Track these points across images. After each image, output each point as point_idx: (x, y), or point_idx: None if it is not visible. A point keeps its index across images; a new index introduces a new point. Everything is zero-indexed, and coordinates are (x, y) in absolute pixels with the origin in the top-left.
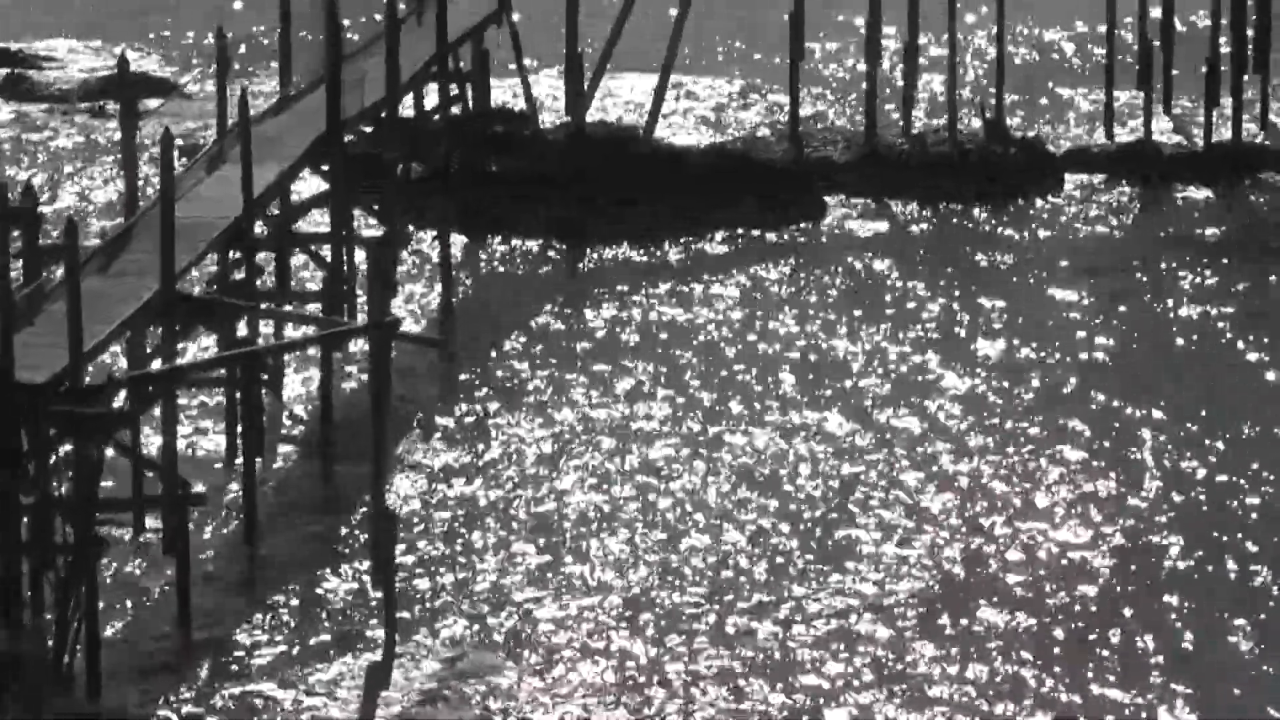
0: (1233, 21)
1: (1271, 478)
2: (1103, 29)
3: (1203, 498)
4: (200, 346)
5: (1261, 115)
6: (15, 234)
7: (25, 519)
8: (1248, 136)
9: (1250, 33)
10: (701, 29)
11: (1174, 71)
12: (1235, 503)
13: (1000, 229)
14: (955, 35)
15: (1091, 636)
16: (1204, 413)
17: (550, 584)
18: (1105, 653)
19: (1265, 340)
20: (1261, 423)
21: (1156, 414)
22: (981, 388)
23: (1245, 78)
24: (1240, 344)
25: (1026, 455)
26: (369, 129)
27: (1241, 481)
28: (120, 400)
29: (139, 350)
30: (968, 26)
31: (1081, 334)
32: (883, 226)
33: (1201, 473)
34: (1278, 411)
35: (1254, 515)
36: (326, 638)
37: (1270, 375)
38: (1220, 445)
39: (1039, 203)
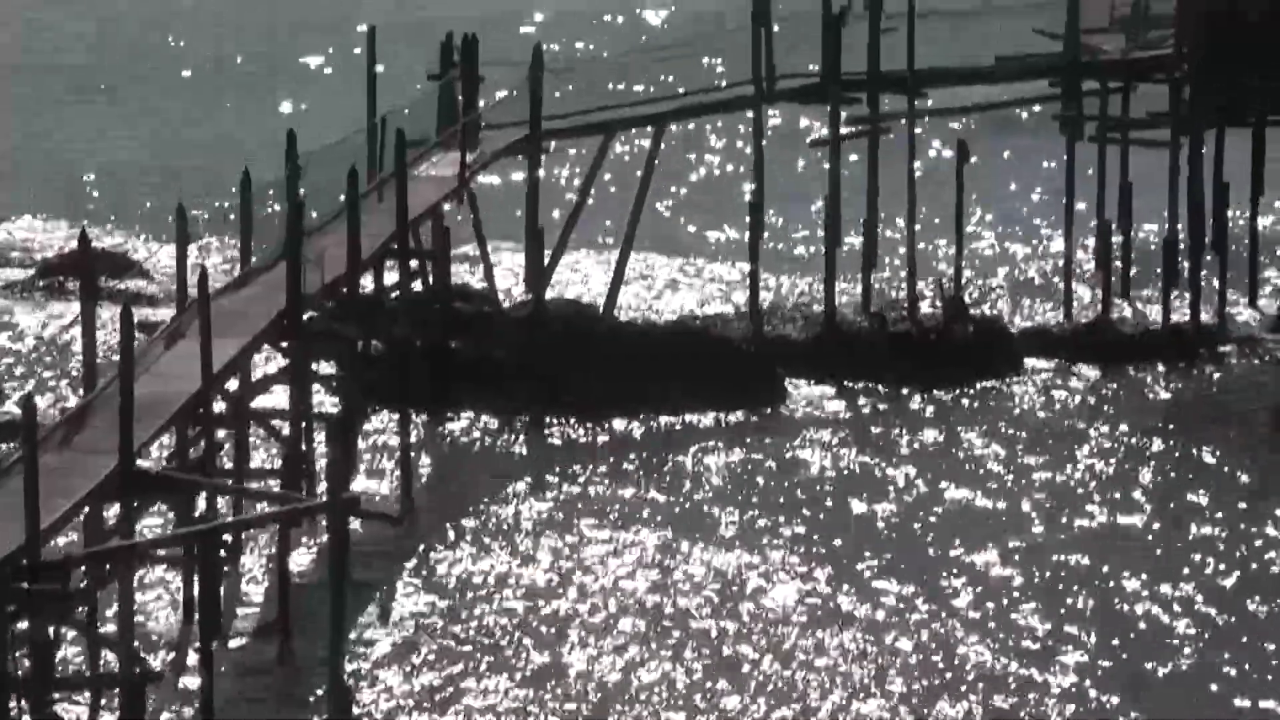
0: (1190, 203)
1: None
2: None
3: (1180, 660)
4: (158, 523)
5: (1220, 296)
6: None
7: None
8: (1205, 317)
9: (1209, 214)
10: (661, 208)
11: (1132, 252)
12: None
13: (959, 409)
14: (914, 214)
15: None
16: (1166, 593)
17: None
18: None
19: (1226, 518)
20: (1226, 593)
21: (1115, 599)
22: (941, 564)
23: (1203, 259)
24: (1200, 519)
25: (982, 636)
26: (329, 305)
27: (1206, 635)
28: (78, 578)
29: (97, 527)
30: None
31: (1040, 513)
32: (841, 406)
33: (1179, 626)
34: (1243, 583)
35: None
36: None
37: (1238, 552)
38: (1186, 622)
39: (998, 382)
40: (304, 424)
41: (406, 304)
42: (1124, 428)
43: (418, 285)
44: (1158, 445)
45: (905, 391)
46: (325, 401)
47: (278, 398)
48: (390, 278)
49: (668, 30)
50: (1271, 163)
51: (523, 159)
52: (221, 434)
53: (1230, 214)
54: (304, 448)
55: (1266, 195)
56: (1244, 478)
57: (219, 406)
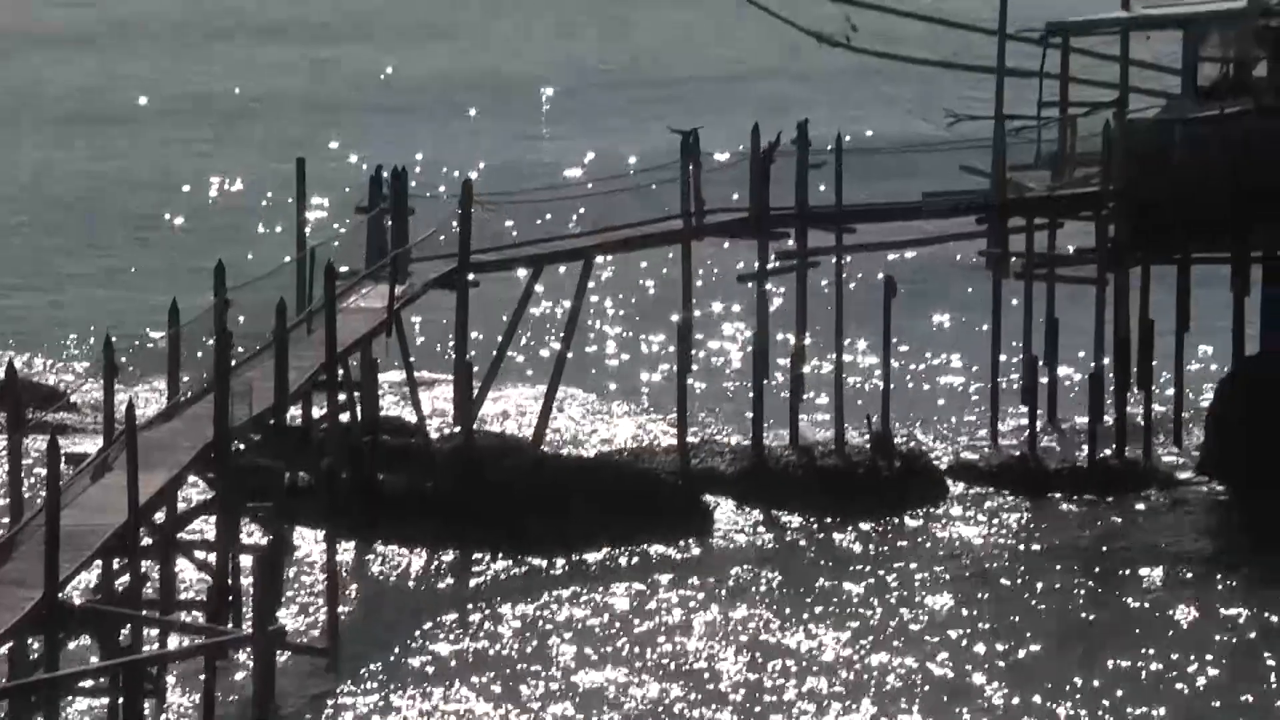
0: (1116, 339)
1: None
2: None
3: None
4: (83, 655)
5: (1145, 431)
6: None
7: None
8: (1130, 453)
9: (1134, 348)
10: (590, 341)
11: (1058, 388)
12: None
13: (885, 542)
14: (842, 348)
15: None
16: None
17: None
18: None
19: (1149, 651)
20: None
21: None
22: (864, 700)
23: (1129, 394)
24: (1119, 654)
25: None
26: (256, 437)
27: None
28: (2, 710)
29: (21, 659)
30: (856, 338)
31: (963, 644)
32: (768, 539)
33: None
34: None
35: None
36: None
37: (1159, 689)
38: None
39: (924, 516)
40: (231, 556)
41: (334, 436)
42: (1047, 563)
43: (346, 417)
44: (1080, 581)
45: (832, 524)
46: (253, 533)
47: (205, 529)
48: (318, 409)
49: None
50: (1197, 300)
51: (451, 291)
52: (148, 566)
53: (1155, 351)
54: (231, 580)
55: (1192, 332)
56: (1170, 615)
57: (146, 538)
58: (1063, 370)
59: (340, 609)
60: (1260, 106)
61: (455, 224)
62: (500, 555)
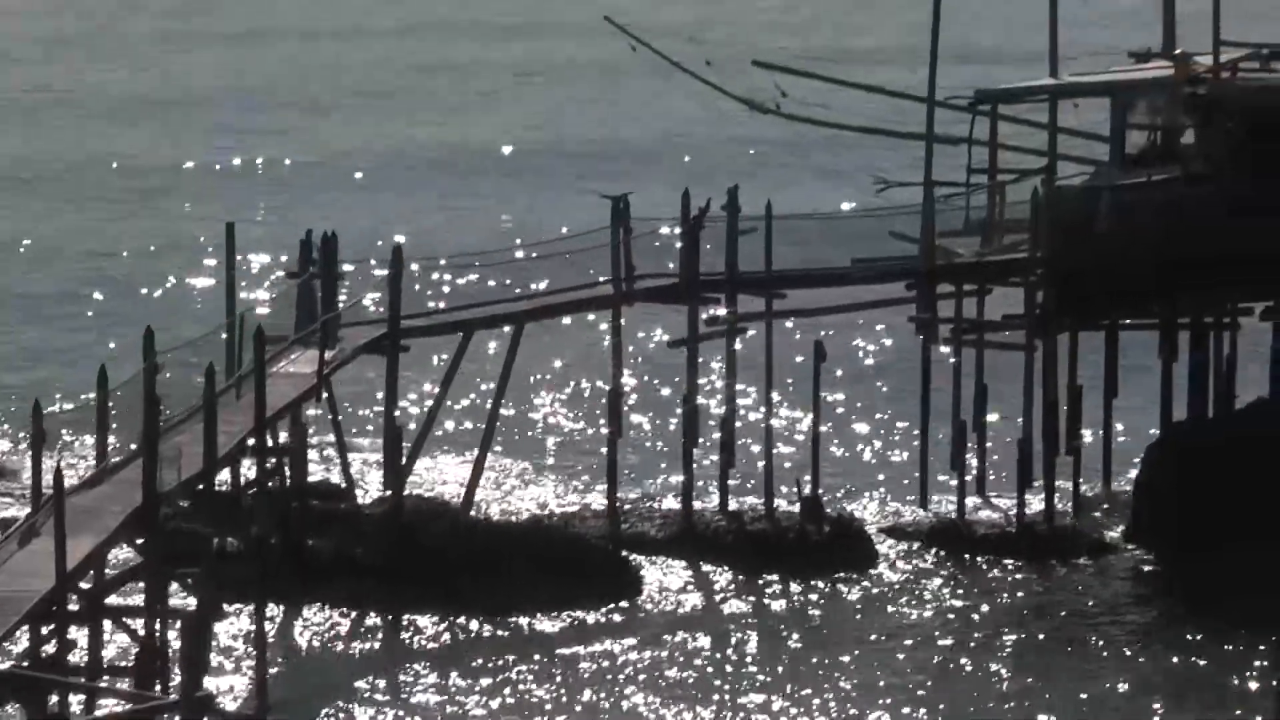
0: (1045, 404)
1: None
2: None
3: None
4: None
5: (1073, 496)
6: None
7: None
8: (1059, 517)
9: (1063, 414)
10: (520, 405)
11: (987, 452)
12: None
13: (815, 606)
14: (771, 413)
15: None
16: None
17: None
18: None
19: (1079, 715)
20: None
21: None
22: None
23: (1057, 460)
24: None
25: None
26: (185, 503)
27: None
28: None
29: None
30: (785, 403)
31: (891, 707)
32: (698, 602)
33: None
34: None
35: None
36: None
37: None
38: None
39: (853, 580)
40: (159, 621)
41: (264, 501)
42: (975, 628)
43: (275, 482)
44: (1009, 647)
45: (761, 588)
46: (181, 599)
47: (133, 595)
48: (248, 474)
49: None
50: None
51: (381, 357)
52: (75, 631)
53: (1083, 416)
54: (159, 645)
55: (1120, 397)
56: (1098, 680)
57: (73, 604)
58: (991, 436)
59: (269, 674)
60: (1187, 174)
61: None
62: (430, 619)
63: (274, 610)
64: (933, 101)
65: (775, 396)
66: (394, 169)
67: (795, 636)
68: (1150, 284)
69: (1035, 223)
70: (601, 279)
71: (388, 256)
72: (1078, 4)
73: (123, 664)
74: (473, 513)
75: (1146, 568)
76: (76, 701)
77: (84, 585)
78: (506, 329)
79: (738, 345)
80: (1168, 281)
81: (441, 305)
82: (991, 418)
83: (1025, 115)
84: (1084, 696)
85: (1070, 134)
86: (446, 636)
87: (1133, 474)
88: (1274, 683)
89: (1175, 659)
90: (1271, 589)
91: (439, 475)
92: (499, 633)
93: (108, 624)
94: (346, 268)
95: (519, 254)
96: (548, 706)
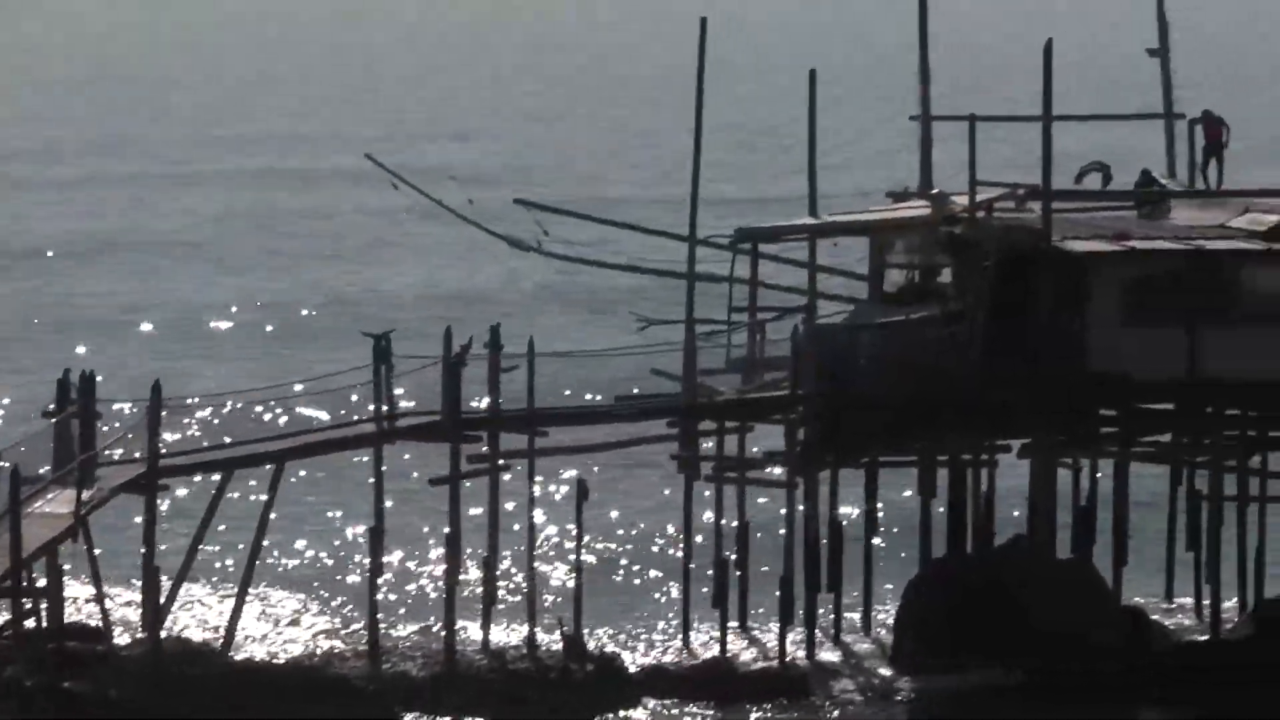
0: (807, 539)
1: None
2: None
3: None
4: None
5: (835, 632)
6: None
7: None
8: (821, 653)
9: (824, 550)
10: (281, 544)
11: (749, 590)
12: None
13: None
14: (534, 552)
15: None
16: None
17: None
18: None
19: None
20: None
21: None
22: None
23: (819, 596)
24: None
25: None
26: None
27: None
28: None
29: None
30: (547, 539)
31: None
32: None
33: None
34: None
35: None
36: None
37: None
38: None
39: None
40: None
41: (20, 643)
42: None
43: (32, 623)
44: None
45: None
46: None
47: None
48: (2, 616)
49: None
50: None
51: (139, 496)
52: None
53: (844, 552)
54: None
55: (880, 533)
56: None
57: None
58: (754, 573)
59: None
60: (945, 312)
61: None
62: None
63: None
64: (694, 240)
65: (538, 534)
66: (153, 310)
67: None
68: (909, 421)
69: (796, 360)
70: (363, 417)
71: (146, 395)
72: (838, 148)
73: None
74: (233, 653)
75: (908, 702)
76: None
77: None
78: (267, 467)
79: (503, 480)
80: (925, 419)
81: (203, 443)
82: (753, 555)
83: (786, 254)
84: None
85: (829, 272)
86: None
87: (893, 610)
88: None
89: None
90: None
91: (199, 615)
92: None
93: None
94: (111, 406)
95: (281, 391)
96: None
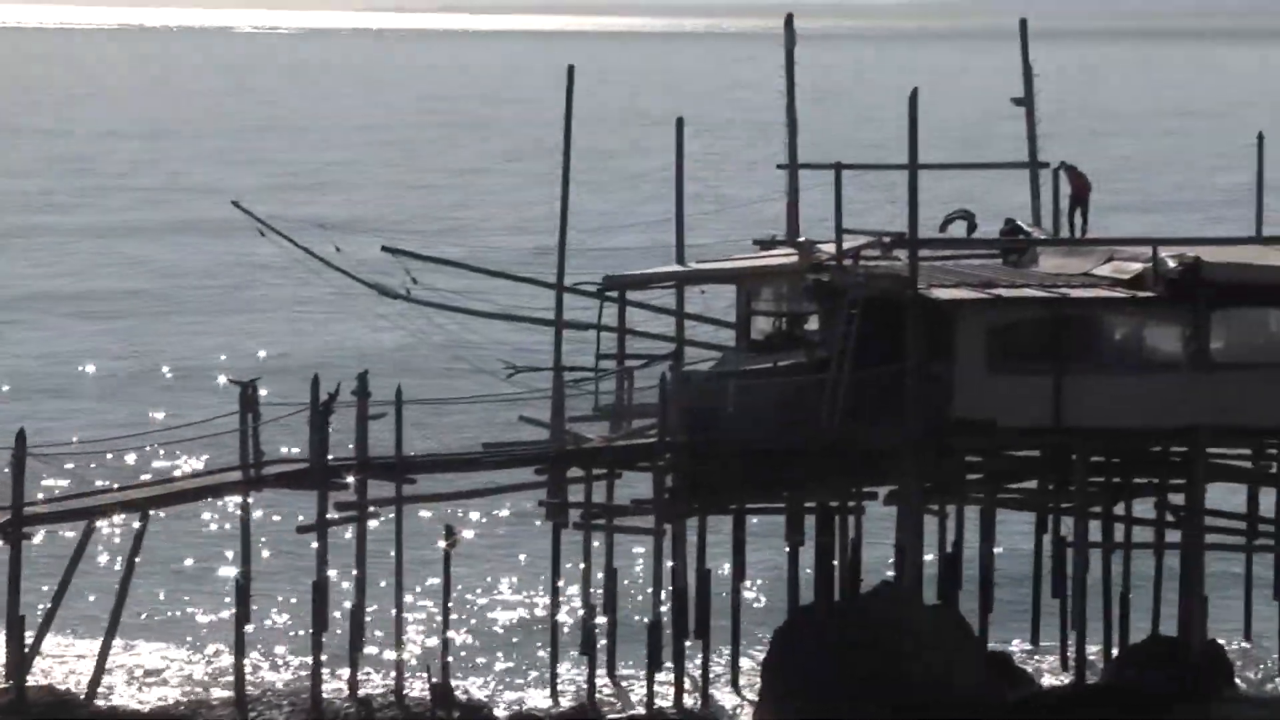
0: (674, 586)
1: None
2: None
3: None
4: None
5: (702, 680)
6: None
7: None
8: (691, 703)
9: (691, 596)
10: (148, 591)
11: (618, 637)
12: None
13: None
14: (402, 600)
15: None
16: None
17: None
18: None
19: None
20: None
21: None
22: None
23: (687, 643)
24: None
25: None
26: None
27: None
28: None
29: None
30: (415, 587)
31: None
32: None
33: None
34: None
35: None
36: None
37: None
38: None
39: None
40: None
41: None
42: None
43: None
44: None
45: None
46: None
47: None
48: None
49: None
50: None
51: (3, 544)
52: None
53: (711, 600)
54: None
55: (747, 580)
56: None
57: None
58: (621, 619)
59: None
60: (812, 360)
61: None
62: None
63: None
64: (561, 287)
65: (406, 581)
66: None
67: None
68: (776, 468)
69: (663, 408)
70: (230, 464)
71: (10, 443)
72: (704, 198)
73: None
74: (99, 702)
75: None
76: None
77: None
78: (133, 516)
79: (371, 528)
80: (792, 466)
81: (68, 491)
82: (621, 602)
83: (653, 301)
84: None
85: (697, 320)
86: None
87: (761, 657)
88: None
89: None
90: None
91: (64, 664)
92: None
93: None
94: None
95: (147, 439)
96: None
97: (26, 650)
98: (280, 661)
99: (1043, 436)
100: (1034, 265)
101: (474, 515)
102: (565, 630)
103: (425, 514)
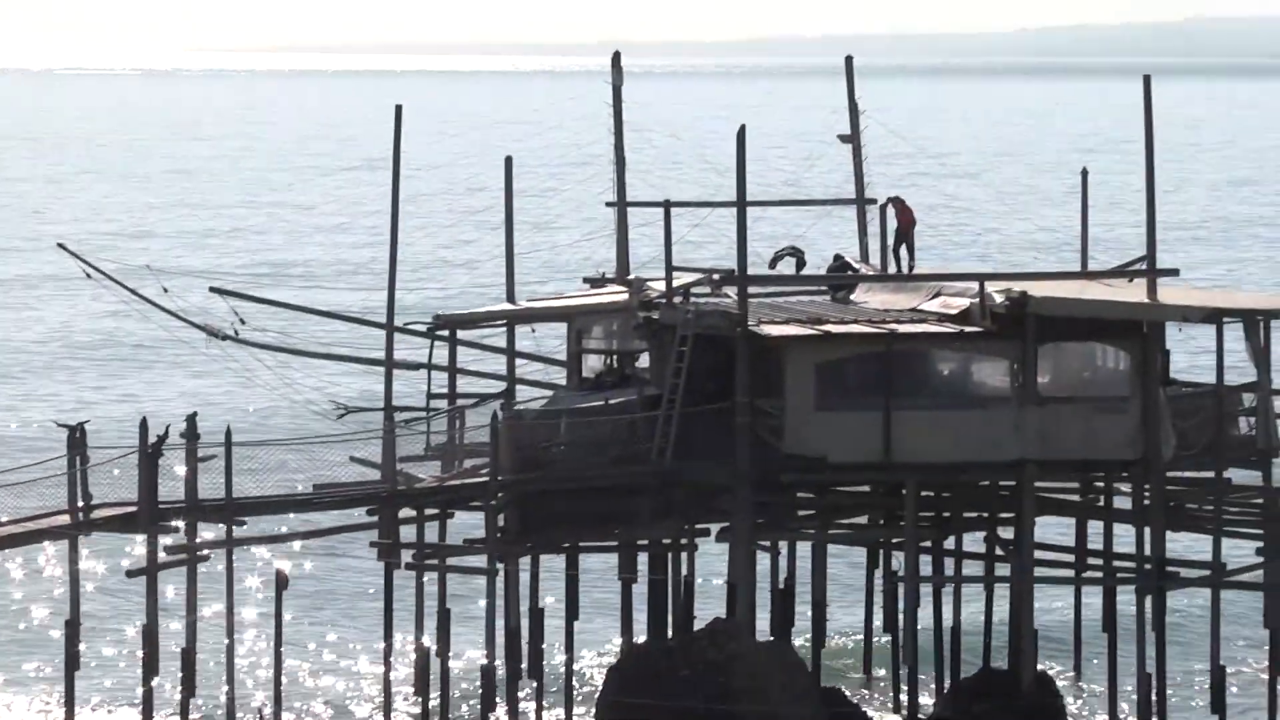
0: (507, 626)
1: None
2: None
3: None
4: None
5: (537, 719)
6: None
7: None
8: None
9: (525, 636)
10: None
11: (450, 680)
12: None
13: None
14: (234, 642)
15: None
16: None
17: None
18: None
19: None
20: None
21: None
22: None
23: (520, 682)
24: None
25: None
26: None
27: None
28: None
29: None
30: (246, 630)
31: None
32: None
33: None
34: None
35: None
36: None
37: None
38: None
39: None
40: None
41: None
42: None
43: None
44: None
45: None
46: None
47: None
48: None
49: None
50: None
51: None
52: None
53: (545, 638)
54: None
55: (581, 619)
56: None
57: None
58: (455, 660)
59: None
60: (643, 397)
61: None
62: None
63: None
64: (391, 327)
65: (237, 624)
66: None
67: None
68: (608, 506)
69: (495, 446)
70: (58, 508)
71: None
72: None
73: None
74: None
75: None
76: None
77: None
78: None
79: (201, 570)
80: (623, 503)
81: None
82: (455, 642)
83: (484, 340)
84: None
85: (528, 358)
86: None
87: (595, 694)
88: None
89: None
90: None
91: None
92: None
93: None
94: None
95: None
96: None
97: None
98: (110, 706)
99: (873, 471)
100: (862, 301)
101: (306, 557)
102: (398, 671)
103: (257, 555)
